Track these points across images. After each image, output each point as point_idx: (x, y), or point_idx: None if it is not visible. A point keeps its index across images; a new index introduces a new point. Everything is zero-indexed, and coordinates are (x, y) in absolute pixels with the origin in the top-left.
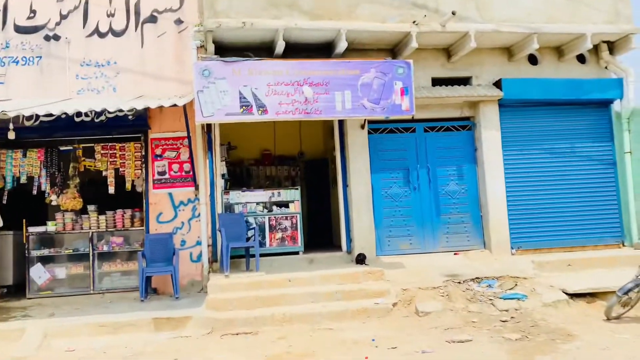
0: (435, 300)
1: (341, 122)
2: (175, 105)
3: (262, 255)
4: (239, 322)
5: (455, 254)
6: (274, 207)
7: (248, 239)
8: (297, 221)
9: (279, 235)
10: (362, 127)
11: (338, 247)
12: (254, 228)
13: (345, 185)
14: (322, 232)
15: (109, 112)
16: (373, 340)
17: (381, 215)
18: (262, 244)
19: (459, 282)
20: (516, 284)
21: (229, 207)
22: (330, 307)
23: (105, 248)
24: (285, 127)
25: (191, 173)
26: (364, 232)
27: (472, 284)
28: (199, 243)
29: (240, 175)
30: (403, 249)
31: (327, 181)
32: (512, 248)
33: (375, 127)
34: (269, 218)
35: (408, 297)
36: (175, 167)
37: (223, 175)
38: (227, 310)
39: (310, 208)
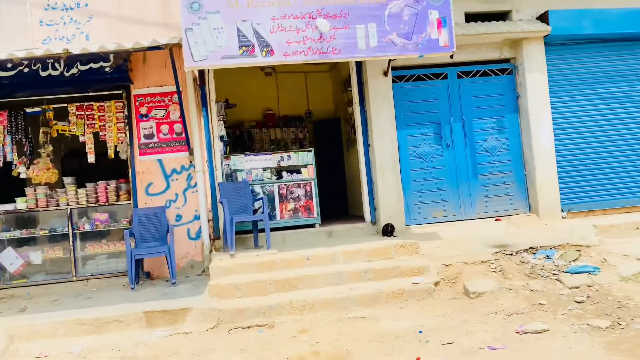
0: (487, 277)
1: (359, 70)
2: (158, 47)
3: (272, 229)
4: (251, 312)
5: (496, 219)
6: (284, 174)
7: (255, 212)
8: (311, 189)
9: (291, 205)
10: (385, 74)
11: (358, 218)
12: (261, 198)
13: (366, 145)
14: (335, 202)
15: (81, 64)
16: (420, 332)
17: (409, 178)
18: (271, 216)
19: (511, 254)
20: (580, 254)
21: (230, 175)
22: (359, 290)
23: (87, 227)
24: (289, 82)
25: (183, 135)
26: (390, 199)
27: (527, 256)
28: (197, 218)
29: (240, 139)
30: (436, 216)
31: (339, 143)
32: (562, 211)
33: (400, 74)
34: (279, 186)
35: (452, 275)
36: (165, 128)
37: (222, 138)
38: (235, 297)
39: (321, 174)
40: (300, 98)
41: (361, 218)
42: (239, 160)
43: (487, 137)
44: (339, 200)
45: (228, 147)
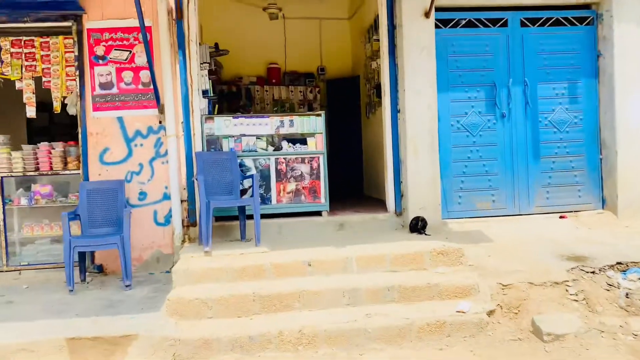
0: (565, 309)
1: (391, 9)
2: None
3: (266, 216)
4: (222, 345)
5: (560, 216)
6: (284, 144)
7: (244, 193)
8: (319, 165)
9: (291, 186)
10: (427, 14)
11: (377, 204)
12: (252, 176)
13: (395, 111)
14: (348, 179)
15: None
16: None
17: (449, 156)
18: (265, 199)
19: (593, 272)
20: None
21: (214, 142)
22: (379, 317)
23: (23, 202)
24: (299, 29)
25: (152, 87)
26: (423, 184)
27: (615, 275)
28: (167, 197)
29: (236, 98)
30: (481, 208)
31: (357, 109)
32: None
33: (445, 17)
34: (277, 160)
35: (513, 300)
36: (128, 76)
37: (206, 93)
38: (203, 318)
39: (332, 146)
40: (311, 50)
41: (381, 205)
42: (225, 124)
43: (554, 108)
44: (353, 178)
45: (216, 106)
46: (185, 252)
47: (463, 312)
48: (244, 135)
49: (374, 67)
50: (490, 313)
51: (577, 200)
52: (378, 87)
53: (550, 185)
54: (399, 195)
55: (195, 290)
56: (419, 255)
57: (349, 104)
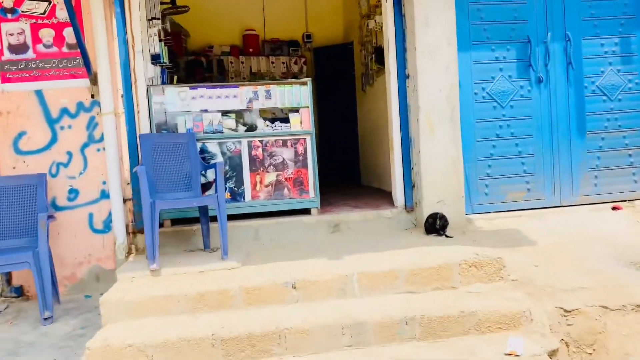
0: None
1: None
2: None
3: (237, 217)
4: None
5: (614, 207)
6: (260, 122)
7: (207, 188)
8: (306, 149)
9: (270, 177)
10: None
11: (382, 197)
12: (214, 165)
13: (402, 77)
14: (340, 166)
15: None
16: None
17: (472, 134)
18: (236, 195)
19: None
20: None
21: (166, 122)
22: None
23: None
24: None
25: (79, 50)
26: (442, 169)
27: None
28: (105, 195)
29: (205, 71)
30: (513, 200)
31: (350, 81)
32: None
33: None
34: (250, 144)
35: (584, 334)
36: (47, 35)
37: (155, 59)
38: None
39: (322, 126)
40: (295, 14)
41: (385, 197)
42: (180, 97)
43: (603, 69)
44: (347, 164)
45: (175, 79)
46: (125, 271)
47: (516, 355)
48: (206, 111)
49: (372, 27)
50: (553, 354)
51: (632, 187)
52: (378, 51)
53: (599, 168)
54: (410, 185)
55: (132, 330)
56: (444, 269)
57: (341, 76)
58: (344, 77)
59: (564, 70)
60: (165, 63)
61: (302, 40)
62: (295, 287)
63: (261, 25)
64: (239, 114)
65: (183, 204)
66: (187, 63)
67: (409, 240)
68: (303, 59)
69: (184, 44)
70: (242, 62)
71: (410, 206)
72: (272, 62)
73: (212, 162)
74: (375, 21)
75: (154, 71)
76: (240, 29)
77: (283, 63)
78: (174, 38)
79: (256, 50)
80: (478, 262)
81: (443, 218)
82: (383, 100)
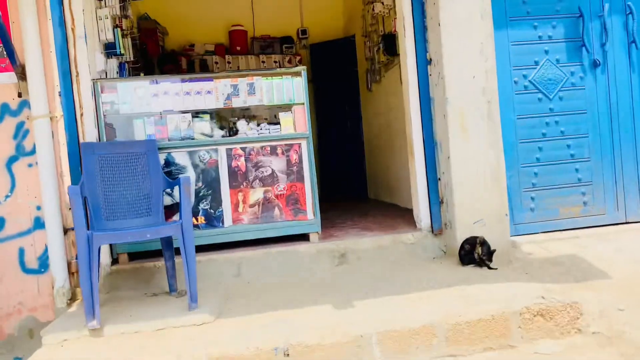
0: None
1: None
2: None
3: (216, 247)
4: None
5: None
6: (242, 125)
7: (174, 212)
8: (301, 158)
9: (256, 194)
10: None
11: (397, 215)
12: (178, 181)
13: (423, 62)
14: (344, 179)
15: None
16: None
17: (513, 134)
18: (212, 219)
19: None
20: None
21: (119, 127)
22: None
23: None
24: None
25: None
26: (479, 179)
27: None
28: (40, 224)
29: (187, 72)
30: (566, 216)
31: (353, 78)
32: None
33: None
34: (230, 153)
35: None
36: None
37: (109, 50)
38: None
39: (320, 131)
40: (288, 7)
41: (402, 216)
42: (137, 94)
43: None
44: (350, 175)
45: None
46: (55, 331)
47: None
48: (171, 112)
49: (379, 12)
50: None
51: None
52: (387, 40)
53: None
54: (436, 201)
55: None
56: (499, 321)
57: (342, 74)
58: (345, 76)
59: (625, 51)
60: (123, 54)
61: (297, 36)
62: (288, 355)
63: (250, 21)
64: (214, 114)
65: (133, 237)
66: (160, 60)
67: (441, 275)
68: (298, 57)
69: (161, 42)
70: (229, 62)
71: (437, 228)
72: (263, 62)
73: (182, 176)
74: (382, 3)
75: (107, 64)
76: (225, 25)
77: (275, 62)
78: (147, 36)
79: (244, 48)
80: (546, 309)
81: (485, 244)
82: (395, 98)
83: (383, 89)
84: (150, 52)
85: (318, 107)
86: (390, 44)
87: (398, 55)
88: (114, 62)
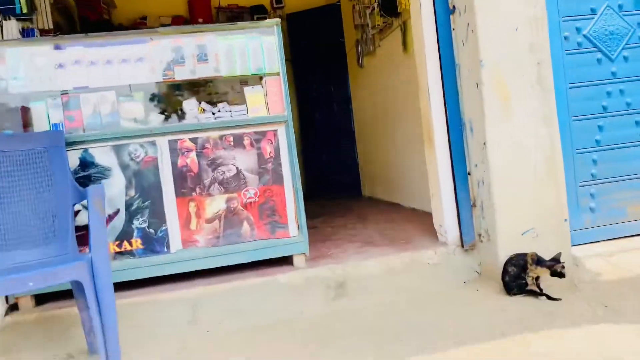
0: None
1: None
2: None
3: (159, 281)
4: None
5: None
6: (191, 106)
7: (81, 235)
8: (278, 149)
9: (215, 204)
10: None
11: (406, 219)
12: (84, 195)
13: (444, 12)
14: (331, 173)
15: None
16: None
17: (565, 108)
18: (152, 242)
19: None
20: None
21: (8, 115)
22: None
23: None
24: None
25: None
26: (527, 174)
27: None
28: None
29: None
30: (636, 217)
31: (338, 53)
32: None
33: None
34: (174, 146)
35: None
36: None
37: (10, 8)
38: None
39: (300, 116)
40: None
41: (415, 221)
42: (35, 63)
43: None
44: (339, 168)
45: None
46: None
47: None
48: (86, 90)
49: None
50: None
51: None
52: None
53: None
54: (467, 203)
55: None
56: None
57: (325, 48)
58: (330, 51)
59: None
60: (28, 16)
61: (270, 5)
62: None
63: None
64: (150, 93)
65: (3, 288)
66: (90, 29)
67: (483, 312)
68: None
69: (106, 15)
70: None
71: (469, 241)
72: None
73: (90, 187)
74: None
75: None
76: None
77: None
78: (87, 6)
79: (208, 20)
80: None
81: (542, 263)
82: (396, 71)
83: (378, 61)
84: (91, 26)
85: (298, 89)
86: (388, 1)
87: (399, 14)
88: (12, 25)
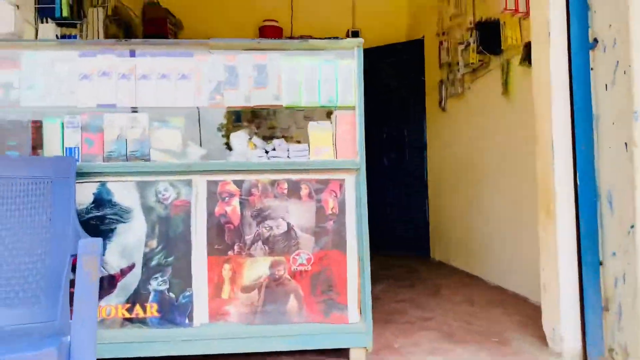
0: None
1: None
2: None
3: None
4: None
5: None
6: (240, 141)
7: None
8: (343, 204)
9: (256, 268)
10: None
11: (488, 296)
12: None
13: (581, 46)
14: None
15: None
16: None
17: None
18: (172, 311)
19: None
20: None
21: (15, 133)
22: None
23: None
24: None
25: None
26: None
27: None
28: None
29: None
30: None
31: (417, 94)
32: None
33: None
34: (213, 188)
35: None
36: None
37: (44, 4)
38: None
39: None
40: (337, 4)
41: (506, 304)
42: (53, 69)
43: None
44: (404, 223)
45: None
46: None
47: None
48: (113, 109)
49: None
50: None
51: None
52: (485, 28)
53: None
54: (598, 305)
55: None
56: None
57: (402, 88)
58: (407, 90)
59: None
60: (69, 20)
61: (346, 36)
62: None
63: (287, 17)
64: (192, 119)
65: None
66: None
67: None
68: None
69: (171, 36)
70: None
71: (597, 355)
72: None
73: (82, 241)
74: None
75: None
76: (255, 21)
77: None
78: (154, 25)
79: None
80: None
81: None
82: (490, 118)
83: (467, 106)
84: None
85: (367, 128)
86: (488, 34)
87: (501, 51)
88: (48, 29)
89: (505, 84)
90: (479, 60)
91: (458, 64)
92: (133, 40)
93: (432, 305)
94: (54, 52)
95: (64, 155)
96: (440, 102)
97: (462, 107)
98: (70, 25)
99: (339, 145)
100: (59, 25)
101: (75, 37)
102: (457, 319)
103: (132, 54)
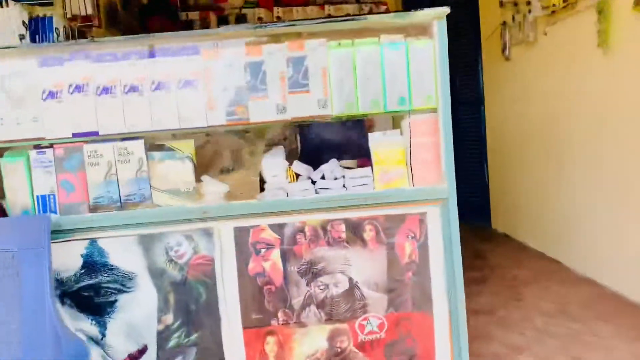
0: None
1: None
2: None
3: None
4: None
5: None
6: (275, 169)
7: None
8: (425, 251)
9: (309, 341)
10: None
11: (585, 292)
12: (78, 346)
13: None
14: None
15: None
16: None
17: None
18: None
19: None
20: None
21: None
22: None
23: None
24: None
25: None
26: None
27: None
28: None
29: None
30: None
31: (469, 43)
32: None
33: None
34: (243, 238)
35: None
36: None
37: None
38: None
39: None
40: None
41: (622, 318)
42: (10, 85)
43: None
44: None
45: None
46: None
47: None
48: (96, 137)
49: None
50: None
51: None
52: None
53: None
54: None
55: None
56: None
57: (452, 33)
58: (458, 36)
59: None
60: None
61: None
62: None
63: None
64: (204, 143)
65: None
66: (142, 10)
67: None
68: (384, 7)
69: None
70: (278, 17)
71: None
72: (330, 15)
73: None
74: None
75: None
76: None
77: (349, 15)
78: None
79: None
80: None
81: None
82: (577, 75)
83: (541, 55)
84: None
85: None
86: None
87: None
88: (13, 13)
89: (604, 33)
90: (564, 1)
91: (529, 2)
92: (112, 38)
93: (518, 319)
94: (3, 62)
95: (34, 211)
96: (503, 49)
97: (533, 57)
98: (47, 3)
99: (415, 165)
100: (34, 4)
101: (50, 19)
102: (556, 345)
103: (115, 57)
